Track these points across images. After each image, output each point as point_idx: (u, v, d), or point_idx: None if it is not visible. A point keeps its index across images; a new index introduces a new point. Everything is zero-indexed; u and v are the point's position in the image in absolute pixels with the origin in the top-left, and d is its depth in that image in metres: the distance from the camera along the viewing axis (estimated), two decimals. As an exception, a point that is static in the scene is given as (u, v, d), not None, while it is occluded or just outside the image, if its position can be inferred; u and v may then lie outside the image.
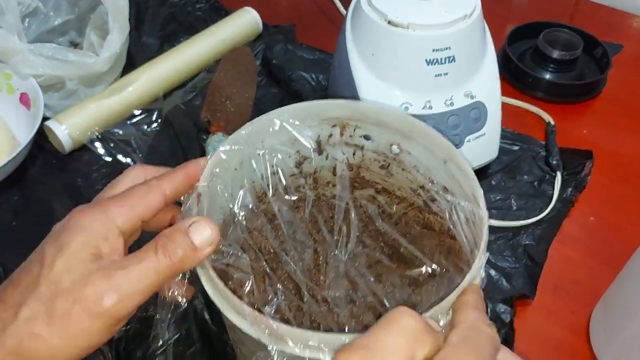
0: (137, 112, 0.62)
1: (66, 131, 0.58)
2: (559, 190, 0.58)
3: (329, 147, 0.42)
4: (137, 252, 0.30)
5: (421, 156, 0.39)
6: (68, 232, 0.30)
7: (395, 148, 0.41)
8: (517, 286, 0.50)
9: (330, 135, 0.42)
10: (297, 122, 0.40)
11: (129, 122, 0.62)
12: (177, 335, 0.45)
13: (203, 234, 0.30)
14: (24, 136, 0.57)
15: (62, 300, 0.28)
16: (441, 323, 0.29)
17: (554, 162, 0.60)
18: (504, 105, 0.57)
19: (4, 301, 0.29)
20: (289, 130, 0.40)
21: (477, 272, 0.32)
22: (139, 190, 0.32)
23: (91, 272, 0.29)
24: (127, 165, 0.59)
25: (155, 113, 0.63)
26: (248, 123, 0.38)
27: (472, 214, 0.35)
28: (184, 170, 0.34)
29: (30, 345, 0.28)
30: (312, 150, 0.42)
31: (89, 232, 0.30)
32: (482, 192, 0.35)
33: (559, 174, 0.59)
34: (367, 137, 0.42)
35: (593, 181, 0.59)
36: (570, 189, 0.58)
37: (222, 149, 0.37)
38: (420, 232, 0.41)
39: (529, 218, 0.56)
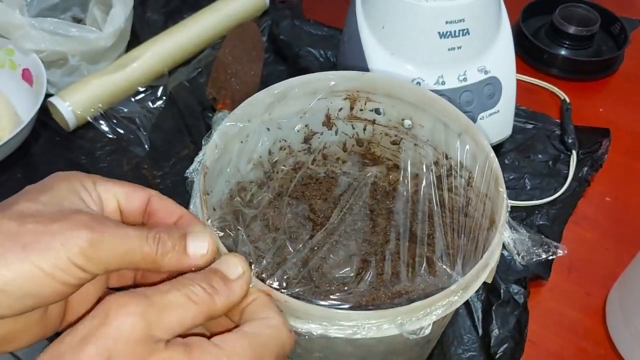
0: (141, 89, 0.61)
1: (70, 108, 0.57)
2: (575, 170, 0.56)
3: (338, 121, 0.41)
4: (123, 225, 0.27)
5: (435, 130, 0.38)
6: (47, 184, 0.27)
7: (407, 122, 0.39)
8: (530, 267, 0.49)
9: (341, 109, 0.40)
10: (306, 94, 0.38)
11: (133, 99, 0.61)
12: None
13: (200, 245, 0.27)
14: (27, 113, 0.56)
15: (35, 222, 0.24)
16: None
17: (570, 141, 0.58)
18: (518, 83, 0.55)
19: None
20: (298, 103, 0.38)
21: (495, 249, 0.31)
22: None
23: (74, 211, 0.26)
24: (131, 142, 0.58)
25: (160, 90, 0.61)
26: (254, 95, 0.37)
27: (489, 189, 0.33)
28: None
29: None
30: (321, 123, 0.40)
31: (70, 184, 0.27)
32: (499, 165, 0.33)
33: (574, 153, 0.57)
34: (378, 112, 0.40)
35: (609, 160, 0.58)
36: (586, 168, 0.57)
37: (227, 122, 0.35)
38: (433, 210, 0.40)
39: (543, 198, 0.54)
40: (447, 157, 0.38)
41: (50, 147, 0.58)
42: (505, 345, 0.44)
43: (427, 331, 0.27)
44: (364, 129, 0.41)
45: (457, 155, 0.37)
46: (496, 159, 0.34)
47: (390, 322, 0.27)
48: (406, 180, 0.41)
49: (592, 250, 0.52)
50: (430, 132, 0.38)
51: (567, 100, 0.63)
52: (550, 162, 0.58)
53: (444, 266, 0.35)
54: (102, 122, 0.59)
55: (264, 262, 0.34)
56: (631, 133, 0.61)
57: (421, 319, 0.27)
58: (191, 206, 0.32)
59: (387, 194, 0.42)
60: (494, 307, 0.46)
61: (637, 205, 0.55)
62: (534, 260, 0.30)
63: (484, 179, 0.34)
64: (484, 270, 0.30)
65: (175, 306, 0.24)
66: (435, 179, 0.40)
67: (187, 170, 0.33)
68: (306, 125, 0.40)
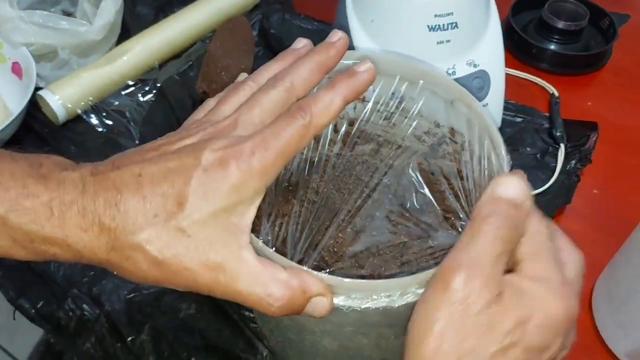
0: (131, 82, 0.61)
1: (60, 101, 0.57)
2: (563, 163, 0.57)
3: None
4: None
5: (425, 100, 0.38)
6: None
7: (397, 95, 0.40)
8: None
9: None
10: None
11: (123, 92, 0.61)
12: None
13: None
14: (16, 106, 0.56)
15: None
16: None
17: (558, 134, 0.59)
18: (507, 77, 0.56)
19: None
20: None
21: None
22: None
23: None
24: (121, 135, 0.58)
25: (150, 83, 0.61)
26: None
27: (485, 150, 0.34)
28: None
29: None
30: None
31: None
32: (494, 126, 0.34)
33: (562, 146, 0.58)
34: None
35: (597, 153, 0.58)
36: (574, 161, 0.57)
37: None
38: (428, 179, 0.40)
39: (531, 190, 0.55)
40: (438, 126, 0.38)
41: (40, 140, 0.58)
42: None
43: None
44: (354, 108, 0.41)
45: (449, 122, 0.37)
46: (490, 119, 0.34)
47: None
48: (398, 155, 0.42)
49: (579, 241, 0.52)
50: (421, 102, 0.39)
51: (556, 94, 0.63)
52: (539, 155, 0.58)
53: (448, 231, 0.35)
54: (92, 115, 0.59)
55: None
56: (619, 126, 0.62)
57: None
58: None
59: (379, 170, 0.42)
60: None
61: (623, 198, 0.56)
62: None
63: (478, 141, 0.35)
64: None
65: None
66: (427, 149, 0.40)
67: None
68: None
